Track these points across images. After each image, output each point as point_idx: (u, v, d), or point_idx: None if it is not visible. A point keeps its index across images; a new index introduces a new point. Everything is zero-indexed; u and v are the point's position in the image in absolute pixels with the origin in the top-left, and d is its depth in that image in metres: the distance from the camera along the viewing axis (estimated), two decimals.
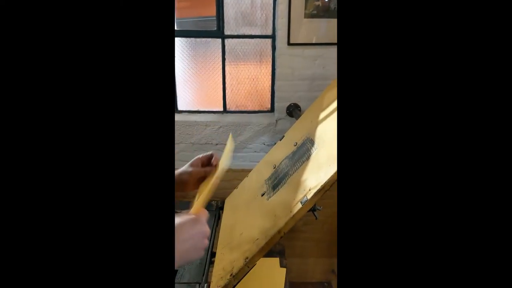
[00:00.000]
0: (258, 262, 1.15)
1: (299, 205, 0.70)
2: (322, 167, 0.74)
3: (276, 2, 1.48)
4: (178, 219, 0.42)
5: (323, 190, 0.68)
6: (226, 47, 1.60)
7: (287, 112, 1.60)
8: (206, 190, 0.50)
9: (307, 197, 0.70)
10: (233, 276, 0.76)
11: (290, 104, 1.59)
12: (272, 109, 1.67)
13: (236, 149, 1.67)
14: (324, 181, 0.67)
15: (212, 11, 1.55)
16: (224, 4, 1.53)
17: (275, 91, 1.61)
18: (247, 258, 0.75)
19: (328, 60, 1.51)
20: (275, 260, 1.19)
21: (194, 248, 0.43)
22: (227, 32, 1.58)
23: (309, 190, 0.71)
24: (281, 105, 1.60)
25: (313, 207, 0.71)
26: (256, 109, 1.70)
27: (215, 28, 1.57)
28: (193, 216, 0.44)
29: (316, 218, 0.73)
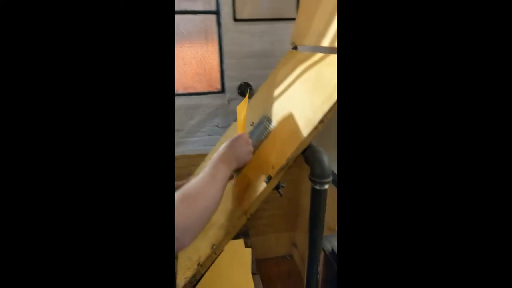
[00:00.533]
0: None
1: (264, 185, 0.69)
2: (283, 143, 0.72)
3: None
4: (227, 141, 0.67)
5: (287, 166, 0.67)
6: None
7: (238, 92, 1.56)
8: (242, 115, 0.76)
9: (271, 176, 0.68)
10: (201, 265, 0.72)
11: (241, 83, 1.54)
12: (222, 90, 1.61)
13: (188, 134, 1.59)
14: (287, 157, 0.66)
15: None
16: None
17: (224, 71, 1.55)
18: (214, 244, 0.72)
19: (275, 36, 1.48)
20: (240, 242, 1.19)
21: (245, 153, 0.69)
22: None
23: (272, 167, 0.69)
24: (232, 84, 1.55)
25: (277, 184, 0.70)
26: (206, 90, 1.62)
27: None
28: (238, 134, 0.69)
29: (280, 195, 0.72)
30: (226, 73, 1.55)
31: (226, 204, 0.78)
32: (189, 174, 1.36)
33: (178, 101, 1.55)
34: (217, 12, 1.48)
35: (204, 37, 1.55)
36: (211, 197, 0.55)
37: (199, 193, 0.53)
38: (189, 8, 1.47)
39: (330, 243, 1.18)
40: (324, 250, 1.17)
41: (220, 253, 0.74)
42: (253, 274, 1.03)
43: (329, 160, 0.64)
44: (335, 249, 1.16)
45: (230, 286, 0.98)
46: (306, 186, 1.76)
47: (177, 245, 0.45)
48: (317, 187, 0.64)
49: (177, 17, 1.47)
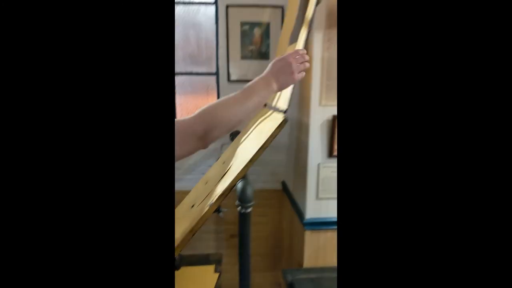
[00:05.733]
0: (193, 271, 1.30)
1: (207, 207, 0.89)
2: (226, 178, 0.94)
3: (218, 45, 1.75)
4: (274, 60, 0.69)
5: (223, 196, 0.88)
6: (176, 82, 1.83)
7: (230, 138, 1.82)
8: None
9: (212, 201, 0.89)
10: None
11: (233, 131, 1.81)
12: None
13: (185, 172, 1.85)
14: (224, 188, 0.88)
15: None
16: (174, 46, 1.78)
17: None
18: None
19: None
20: (211, 267, 1.34)
21: (288, 74, 0.67)
22: (177, 70, 1.82)
23: (215, 195, 0.90)
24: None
25: (217, 208, 0.90)
26: None
27: None
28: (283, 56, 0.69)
29: (221, 217, 0.91)
30: None
31: (183, 226, 0.99)
32: None
33: None
34: (216, 74, 1.82)
35: (206, 92, 1.88)
36: (243, 110, 0.65)
37: (234, 102, 0.64)
38: (194, 71, 1.83)
39: (292, 275, 1.30)
40: (284, 281, 1.28)
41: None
42: None
43: (252, 190, 0.84)
44: (295, 282, 1.27)
45: None
46: (288, 226, 1.90)
47: (209, 137, 0.59)
48: (243, 211, 0.84)
49: (184, 77, 1.83)
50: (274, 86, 0.68)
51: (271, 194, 1.90)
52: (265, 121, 1.06)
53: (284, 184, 1.85)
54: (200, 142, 0.60)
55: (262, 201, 1.91)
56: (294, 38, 0.91)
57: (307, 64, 0.69)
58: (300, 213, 1.41)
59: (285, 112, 0.88)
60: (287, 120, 0.84)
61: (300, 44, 0.83)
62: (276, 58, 0.70)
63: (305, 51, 0.71)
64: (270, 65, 0.70)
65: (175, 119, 0.56)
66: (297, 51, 0.69)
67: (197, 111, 0.61)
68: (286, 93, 0.90)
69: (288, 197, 1.71)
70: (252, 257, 1.99)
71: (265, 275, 2.00)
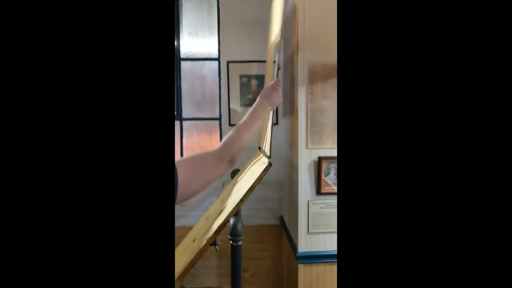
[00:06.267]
0: None
1: (205, 241, 1.03)
2: (222, 214, 1.09)
3: (220, 94, 1.98)
4: (262, 91, 0.92)
5: (218, 231, 1.02)
6: (183, 126, 2.05)
7: (231, 176, 1.98)
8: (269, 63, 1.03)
9: (209, 236, 1.03)
10: None
11: (233, 170, 1.98)
12: None
13: (190, 209, 1.99)
14: (219, 224, 1.02)
15: None
16: (182, 95, 2.03)
17: None
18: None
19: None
20: None
21: (275, 97, 0.91)
22: (184, 115, 2.05)
23: (212, 230, 1.05)
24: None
25: (214, 242, 1.04)
26: None
27: (175, 113, 2.04)
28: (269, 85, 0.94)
29: (216, 250, 1.05)
30: None
31: (183, 260, 1.12)
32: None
33: None
34: (219, 118, 2.03)
35: (210, 134, 2.09)
36: (253, 131, 0.83)
37: (246, 127, 0.80)
38: (199, 116, 2.06)
39: None
40: None
41: None
42: None
43: (241, 225, 0.99)
44: None
45: None
46: (286, 260, 1.97)
47: (235, 159, 0.74)
48: (234, 244, 0.97)
49: (190, 122, 2.05)
50: (269, 107, 0.91)
51: (271, 229, 2.01)
52: (256, 163, 1.23)
53: (282, 219, 1.97)
54: (229, 164, 0.75)
55: (263, 236, 2.02)
56: (271, 77, 1.14)
57: (280, 88, 0.97)
58: (294, 247, 1.52)
59: (269, 157, 1.05)
60: (271, 164, 1.01)
61: (274, 77, 1.12)
62: (263, 90, 0.96)
63: (279, 80, 1.01)
64: (260, 95, 0.94)
65: (204, 152, 0.72)
66: (276, 80, 0.97)
67: (222, 142, 0.77)
68: (268, 142, 1.08)
69: (285, 232, 1.82)
70: None
71: None
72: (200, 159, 0.70)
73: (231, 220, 1.00)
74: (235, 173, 1.96)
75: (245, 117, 0.85)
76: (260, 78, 1.91)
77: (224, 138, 0.77)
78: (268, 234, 2.01)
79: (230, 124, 1.95)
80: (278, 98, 0.93)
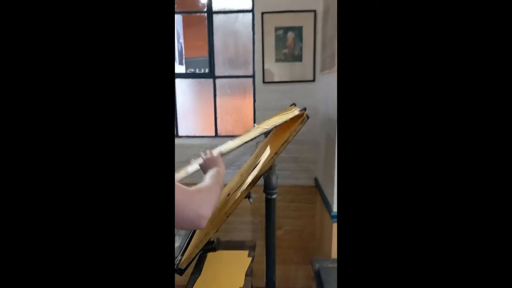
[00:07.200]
0: (229, 254, 1.44)
1: (239, 194, 1.03)
2: (256, 169, 1.07)
3: (254, 50, 1.89)
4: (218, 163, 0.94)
5: (252, 184, 1.01)
6: (217, 85, 2.01)
7: (265, 136, 1.95)
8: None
9: (243, 188, 1.02)
10: (196, 247, 1.07)
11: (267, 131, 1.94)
12: None
13: (225, 166, 2.01)
14: (254, 177, 1.00)
15: (202, 53, 2.00)
16: (214, 52, 1.96)
17: (256, 119, 1.97)
18: (206, 233, 1.07)
19: (295, 94, 1.87)
20: (245, 252, 1.48)
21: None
22: (217, 73, 2.00)
23: (246, 183, 1.03)
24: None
25: (248, 194, 1.02)
26: (242, 134, 2.06)
27: (208, 71, 2.00)
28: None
29: (250, 203, 1.04)
30: (256, 121, 1.97)
31: (218, 211, 1.13)
32: None
33: (218, 141, 2.02)
34: (253, 76, 1.95)
35: (243, 94, 2.03)
36: (218, 193, 0.76)
37: (212, 191, 0.73)
38: (233, 74, 2.00)
39: (320, 264, 1.38)
40: (313, 269, 1.37)
41: (208, 239, 1.08)
42: (246, 275, 1.31)
43: (276, 179, 0.95)
44: (321, 270, 1.35)
45: (224, 277, 1.28)
46: (320, 220, 1.96)
47: (200, 226, 0.62)
48: (269, 197, 0.95)
49: (223, 80, 2.00)
50: (222, 172, 0.90)
51: (305, 190, 1.98)
52: (292, 117, 1.17)
53: (316, 181, 1.92)
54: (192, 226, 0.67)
55: (296, 197, 2.01)
56: None
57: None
58: (329, 207, 1.49)
59: (305, 109, 0.98)
60: (308, 117, 0.94)
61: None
62: (212, 160, 0.97)
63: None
64: (211, 167, 0.93)
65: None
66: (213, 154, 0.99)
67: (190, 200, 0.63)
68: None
69: (320, 193, 1.79)
70: (286, 250, 2.10)
71: (298, 267, 2.09)
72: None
73: (266, 174, 0.98)
74: (267, 134, 1.92)
75: (211, 182, 0.78)
76: (297, 30, 1.77)
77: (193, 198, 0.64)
78: (301, 195, 1.99)
79: (264, 82, 1.87)
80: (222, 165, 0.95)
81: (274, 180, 0.94)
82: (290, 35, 1.78)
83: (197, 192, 0.66)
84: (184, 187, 0.61)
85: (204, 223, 0.61)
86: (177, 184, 0.57)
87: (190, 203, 0.59)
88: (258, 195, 1.08)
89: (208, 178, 0.80)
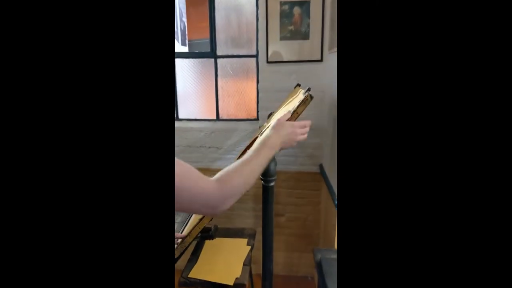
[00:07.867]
0: (228, 242, 1.39)
1: None
2: None
3: (258, 27, 1.76)
4: (274, 123, 0.76)
5: None
6: (218, 66, 1.91)
7: (267, 117, 1.85)
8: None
9: None
10: (189, 235, 1.01)
11: (271, 112, 1.84)
12: (257, 117, 1.93)
13: (226, 152, 1.94)
14: None
15: (206, 35, 1.88)
16: (216, 30, 1.85)
17: (259, 102, 1.87)
18: (201, 220, 1.01)
19: (301, 75, 1.75)
20: (244, 240, 1.42)
21: (290, 136, 0.73)
22: (219, 53, 1.89)
23: None
24: (264, 113, 1.85)
25: None
26: (244, 117, 1.97)
27: (209, 50, 1.89)
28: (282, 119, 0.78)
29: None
30: (260, 104, 1.87)
31: None
32: None
33: (219, 125, 1.93)
34: (256, 56, 1.84)
35: (246, 75, 1.93)
36: (250, 176, 0.61)
37: (239, 171, 0.60)
38: (235, 53, 1.88)
39: (321, 254, 1.32)
40: (314, 259, 1.31)
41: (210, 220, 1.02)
42: (244, 265, 1.25)
43: (275, 166, 0.87)
44: (323, 260, 1.29)
45: (221, 266, 1.22)
46: (324, 208, 1.89)
47: (222, 207, 0.55)
48: (266, 184, 0.87)
49: (226, 60, 1.89)
50: (278, 148, 0.72)
51: (309, 176, 1.90)
52: (295, 99, 1.07)
53: (321, 167, 1.84)
54: (213, 211, 0.56)
55: (300, 183, 1.93)
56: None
57: (306, 136, 0.77)
58: (333, 195, 1.41)
59: (309, 89, 0.88)
60: (312, 97, 0.85)
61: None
62: (287, 122, 0.77)
63: (309, 124, 0.78)
64: (274, 127, 0.74)
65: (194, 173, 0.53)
66: (305, 124, 0.77)
67: (215, 179, 0.57)
68: None
69: (325, 180, 1.70)
70: (289, 237, 2.04)
71: (301, 255, 2.04)
72: (197, 185, 0.52)
73: None
74: (271, 114, 1.82)
75: (249, 152, 0.65)
76: (304, 5, 1.64)
77: (218, 176, 0.58)
78: (306, 182, 1.91)
79: (267, 62, 1.76)
80: (292, 144, 0.74)
81: (272, 166, 0.86)
82: (297, 10, 1.65)
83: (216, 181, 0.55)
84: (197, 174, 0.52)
85: (220, 211, 0.56)
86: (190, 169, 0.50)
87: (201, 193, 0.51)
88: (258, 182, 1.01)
89: (248, 154, 0.66)
